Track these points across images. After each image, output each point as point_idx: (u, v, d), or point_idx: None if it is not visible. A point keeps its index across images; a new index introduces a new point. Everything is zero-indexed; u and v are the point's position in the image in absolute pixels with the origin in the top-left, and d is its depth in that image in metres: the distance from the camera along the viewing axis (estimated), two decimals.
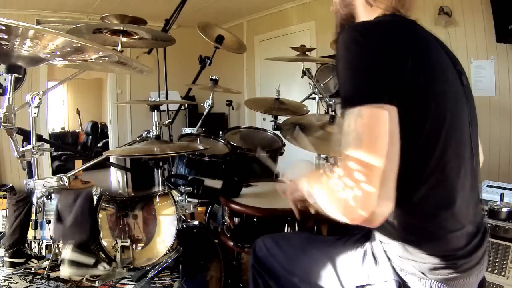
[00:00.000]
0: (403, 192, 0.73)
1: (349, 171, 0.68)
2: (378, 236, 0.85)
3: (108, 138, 5.50)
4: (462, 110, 0.83)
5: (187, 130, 2.25)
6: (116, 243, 1.87)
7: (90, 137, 6.82)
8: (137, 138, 1.86)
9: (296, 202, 1.09)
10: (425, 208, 0.77)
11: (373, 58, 0.73)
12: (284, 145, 2.16)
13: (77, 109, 7.56)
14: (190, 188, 1.66)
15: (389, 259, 0.81)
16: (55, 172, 4.82)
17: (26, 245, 2.15)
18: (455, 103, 0.81)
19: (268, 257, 1.09)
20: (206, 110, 2.28)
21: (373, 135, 0.69)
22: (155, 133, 1.74)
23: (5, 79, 3.98)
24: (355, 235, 0.95)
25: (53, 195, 1.94)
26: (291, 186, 1.06)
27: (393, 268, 0.80)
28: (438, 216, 0.77)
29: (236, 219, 1.43)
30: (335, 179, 0.71)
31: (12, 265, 2.08)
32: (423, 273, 0.77)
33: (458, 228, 0.78)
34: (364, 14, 0.91)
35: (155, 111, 1.74)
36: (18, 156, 1.38)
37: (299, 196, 0.98)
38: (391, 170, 0.68)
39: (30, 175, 1.70)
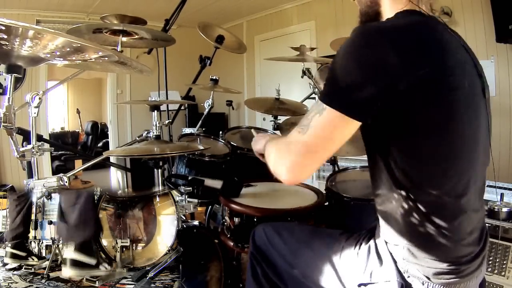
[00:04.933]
0: (418, 196, 0.75)
1: (291, 144, 0.78)
2: (384, 235, 0.84)
3: (108, 138, 5.49)
4: (480, 112, 0.80)
5: (187, 130, 2.25)
6: (116, 243, 1.87)
7: (90, 137, 6.81)
8: (137, 138, 1.86)
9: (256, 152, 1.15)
10: (441, 215, 0.76)
11: (370, 66, 0.70)
12: None
13: (77, 109, 7.55)
14: (190, 188, 1.66)
15: (394, 260, 0.81)
16: (55, 172, 4.82)
17: (28, 241, 2.14)
18: (475, 109, 0.79)
19: (268, 246, 1.07)
20: (206, 110, 2.27)
21: (322, 136, 0.74)
22: (155, 133, 1.74)
23: (5, 79, 3.98)
24: (355, 230, 0.95)
25: (53, 195, 1.94)
26: (256, 140, 1.13)
27: (398, 270, 0.81)
28: (454, 221, 0.76)
29: (236, 219, 1.43)
30: (282, 144, 0.83)
31: (13, 256, 2.07)
32: (427, 277, 0.78)
33: (468, 232, 0.79)
34: (388, 4, 0.86)
35: (155, 111, 1.73)
36: (18, 156, 1.37)
37: (259, 149, 1.09)
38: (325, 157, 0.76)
39: (30, 175, 1.70)
